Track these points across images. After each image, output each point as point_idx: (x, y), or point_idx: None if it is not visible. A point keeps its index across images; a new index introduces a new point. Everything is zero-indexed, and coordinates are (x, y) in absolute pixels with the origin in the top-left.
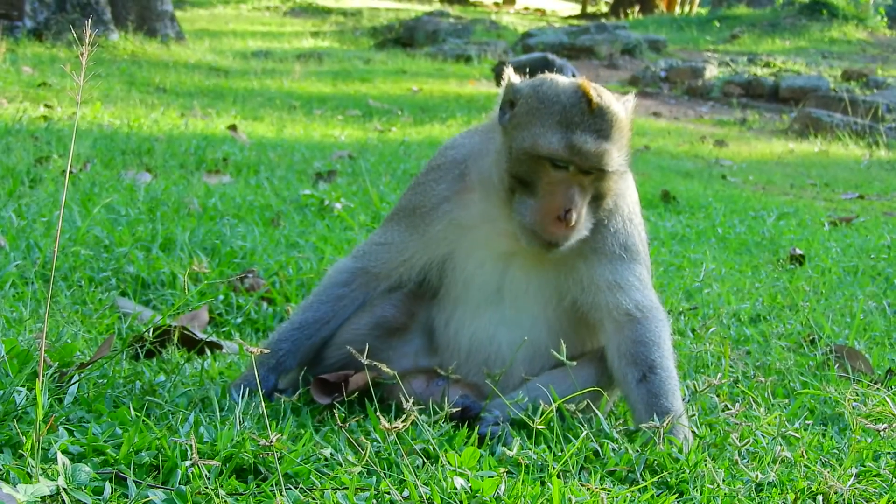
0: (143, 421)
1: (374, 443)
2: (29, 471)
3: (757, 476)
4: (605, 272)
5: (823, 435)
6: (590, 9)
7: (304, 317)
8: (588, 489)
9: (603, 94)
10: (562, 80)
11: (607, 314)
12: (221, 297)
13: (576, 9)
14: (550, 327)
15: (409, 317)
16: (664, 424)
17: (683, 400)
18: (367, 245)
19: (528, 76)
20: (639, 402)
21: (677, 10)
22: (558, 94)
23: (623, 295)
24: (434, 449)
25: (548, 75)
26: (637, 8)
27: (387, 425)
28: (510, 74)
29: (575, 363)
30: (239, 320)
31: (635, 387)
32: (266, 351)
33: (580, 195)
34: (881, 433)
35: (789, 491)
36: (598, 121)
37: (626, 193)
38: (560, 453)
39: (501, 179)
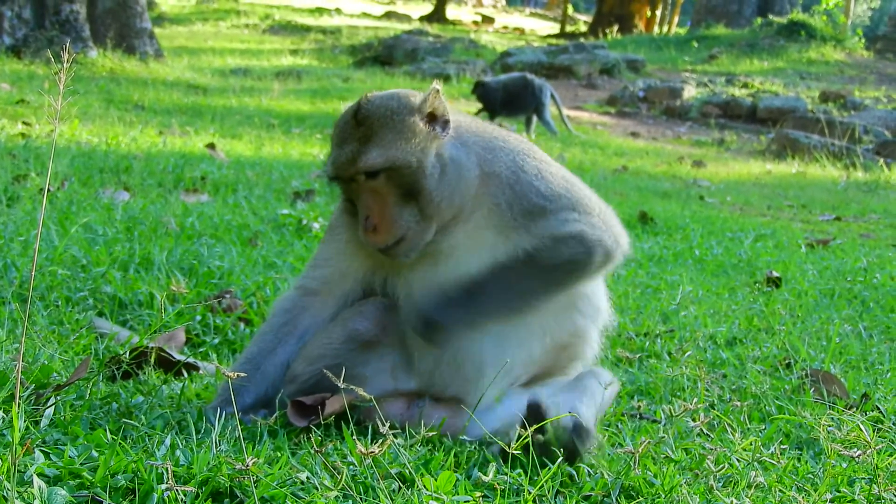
0: (120, 444)
1: (351, 467)
2: (4, 494)
3: (732, 502)
4: (523, 242)
5: (799, 460)
6: (569, 28)
7: (251, 350)
8: None
9: (375, 102)
10: (359, 99)
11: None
12: (199, 317)
13: (555, 28)
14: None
15: (382, 329)
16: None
17: (659, 422)
18: (305, 271)
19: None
20: None
21: (656, 30)
22: (343, 115)
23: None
24: (410, 473)
25: (365, 96)
26: (616, 28)
27: (363, 450)
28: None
29: (566, 379)
30: (216, 341)
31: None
32: (243, 374)
33: (377, 199)
34: (856, 459)
35: None
36: (361, 129)
37: (494, 157)
38: (536, 477)
39: (341, 201)
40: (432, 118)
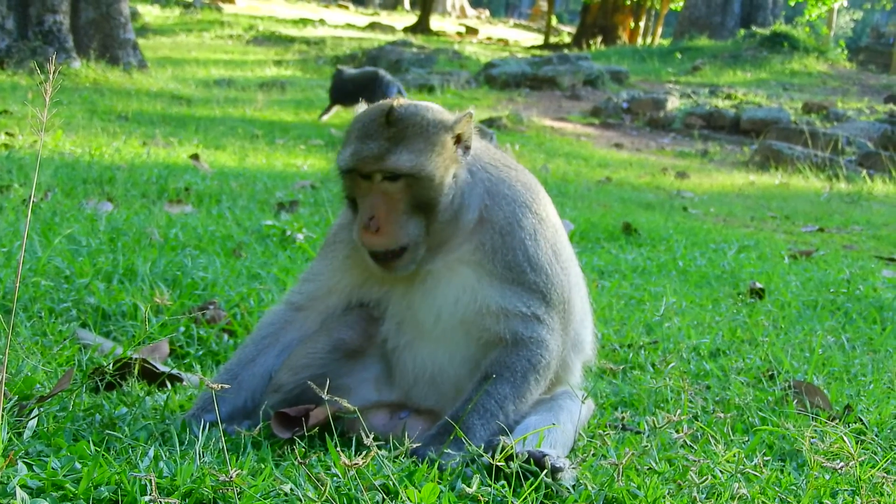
0: (103, 455)
1: (335, 478)
2: None
3: None
4: (495, 295)
5: (782, 471)
6: (552, 39)
7: (230, 361)
8: None
9: (410, 108)
10: (388, 101)
11: (489, 336)
12: (182, 328)
13: (539, 39)
14: (482, 344)
15: (367, 339)
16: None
17: (643, 434)
18: (295, 285)
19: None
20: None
21: (639, 41)
22: (368, 112)
23: (505, 323)
24: (394, 484)
25: (391, 100)
26: (599, 39)
27: (347, 461)
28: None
29: (545, 396)
30: (200, 352)
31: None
32: (226, 386)
33: (387, 202)
34: (839, 470)
35: None
36: (392, 129)
37: (494, 203)
38: (520, 489)
39: (344, 204)
40: (458, 140)
